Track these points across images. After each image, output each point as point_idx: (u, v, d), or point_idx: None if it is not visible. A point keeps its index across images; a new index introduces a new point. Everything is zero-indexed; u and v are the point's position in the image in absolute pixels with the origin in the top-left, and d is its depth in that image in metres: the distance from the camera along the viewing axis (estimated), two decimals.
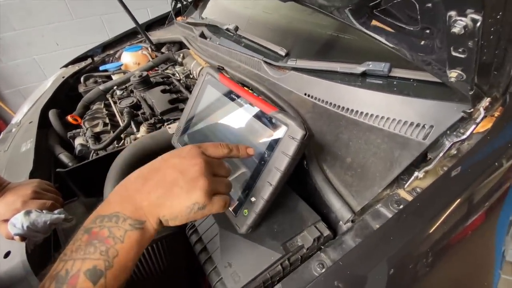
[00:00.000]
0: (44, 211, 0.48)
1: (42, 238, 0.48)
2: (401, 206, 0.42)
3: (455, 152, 0.46)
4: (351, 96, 0.58)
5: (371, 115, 0.54)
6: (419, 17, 0.35)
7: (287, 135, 0.39)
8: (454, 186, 0.43)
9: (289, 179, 0.43)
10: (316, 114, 0.61)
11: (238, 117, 0.47)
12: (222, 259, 0.41)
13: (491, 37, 0.29)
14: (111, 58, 1.28)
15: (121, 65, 1.20)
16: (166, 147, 0.65)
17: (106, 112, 0.95)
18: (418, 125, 0.48)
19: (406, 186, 0.45)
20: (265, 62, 0.74)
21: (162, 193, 0.29)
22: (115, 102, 0.98)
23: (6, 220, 0.47)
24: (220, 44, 0.91)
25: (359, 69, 0.61)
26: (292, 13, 0.88)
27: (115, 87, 1.03)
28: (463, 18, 0.28)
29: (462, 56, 0.34)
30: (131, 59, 1.20)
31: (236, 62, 0.82)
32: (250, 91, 0.48)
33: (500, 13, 0.26)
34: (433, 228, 0.40)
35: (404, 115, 0.50)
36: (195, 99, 0.58)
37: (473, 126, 0.42)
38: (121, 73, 1.16)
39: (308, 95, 0.64)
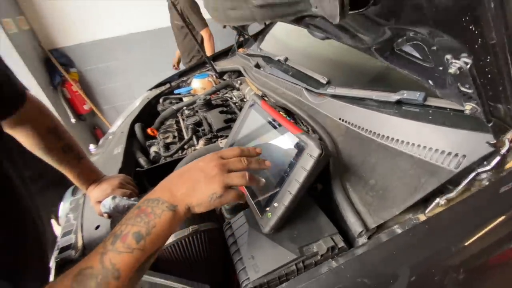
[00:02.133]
0: (125, 198, 0.65)
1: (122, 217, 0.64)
2: (420, 230, 0.44)
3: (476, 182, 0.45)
4: (384, 122, 0.62)
5: (402, 141, 0.56)
6: (430, 56, 0.40)
7: (306, 153, 0.46)
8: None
9: (315, 194, 0.50)
10: (348, 138, 0.66)
11: (272, 136, 0.57)
12: (247, 252, 0.49)
13: (489, 76, 0.32)
14: (184, 84, 1.55)
15: (191, 89, 1.44)
16: None
17: (176, 127, 1.16)
18: (450, 153, 0.49)
19: (427, 211, 0.47)
20: (306, 89, 0.83)
21: (190, 186, 0.41)
22: (183, 120, 1.19)
23: (99, 202, 0.66)
24: (270, 73, 1.05)
25: (393, 97, 0.64)
26: (336, 44, 0.96)
27: (184, 107, 1.26)
28: (457, 61, 0.32)
29: (470, 91, 0.37)
30: (199, 85, 1.44)
31: (282, 89, 0.94)
32: (283, 115, 0.57)
33: (489, 57, 0.30)
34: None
35: (437, 143, 0.51)
36: (241, 120, 0.70)
37: (498, 158, 0.42)
38: (190, 96, 1.40)
39: (342, 120, 0.70)
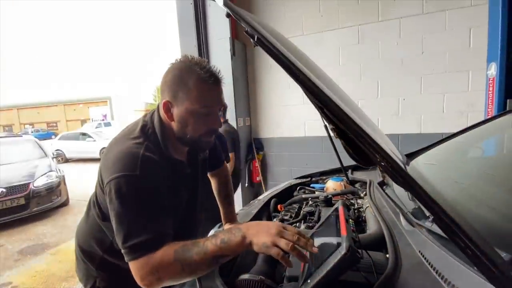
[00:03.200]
0: None
1: None
2: None
3: None
4: (460, 274, 0.60)
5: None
6: None
7: (338, 250, 0.61)
8: None
9: None
10: (415, 270, 0.66)
11: (333, 231, 0.73)
12: None
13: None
14: (321, 181, 1.86)
15: (324, 187, 1.72)
16: None
17: (297, 211, 1.46)
18: None
19: None
20: (403, 214, 0.88)
21: (257, 231, 0.67)
22: (304, 207, 1.47)
23: None
24: (386, 192, 1.14)
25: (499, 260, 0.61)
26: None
27: (310, 198, 1.54)
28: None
29: None
30: (332, 185, 1.69)
31: (387, 208, 1.01)
32: (347, 222, 0.73)
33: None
34: None
35: None
36: (324, 218, 0.89)
37: None
38: (322, 192, 1.67)
39: (420, 253, 0.71)
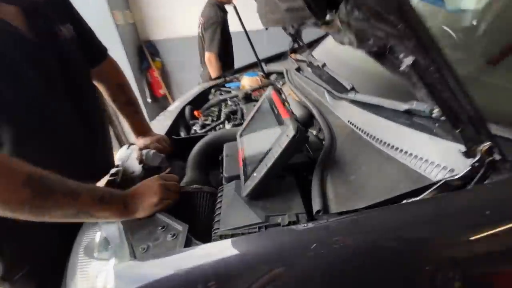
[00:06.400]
0: (154, 151, 0.83)
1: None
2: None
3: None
4: (387, 130, 0.63)
5: (397, 148, 0.58)
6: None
7: (285, 133, 0.53)
8: None
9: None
10: (349, 138, 0.69)
11: (271, 120, 0.65)
12: (225, 210, 0.59)
13: (436, 75, 0.34)
14: (235, 79, 1.73)
15: (240, 85, 1.61)
16: (231, 139, 0.90)
17: (217, 113, 1.33)
18: (439, 165, 0.50)
19: None
20: (328, 91, 0.88)
21: (141, 196, 0.62)
22: (224, 108, 1.35)
23: (141, 149, 0.85)
24: (306, 76, 1.11)
25: (402, 106, 0.65)
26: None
27: (228, 99, 1.42)
28: (406, 59, 0.36)
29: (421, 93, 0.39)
30: (247, 82, 1.59)
31: (309, 90, 1.00)
32: (284, 105, 0.65)
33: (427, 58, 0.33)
34: None
35: (431, 155, 0.52)
36: (256, 107, 0.80)
37: (468, 168, 0.41)
38: (238, 90, 1.56)
39: (350, 122, 0.73)
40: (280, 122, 0.61)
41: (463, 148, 0.44)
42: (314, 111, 0.81)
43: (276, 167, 0.54)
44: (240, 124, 1.09)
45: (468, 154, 0.41)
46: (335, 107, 0.82)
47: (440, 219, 0.39)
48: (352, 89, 0.87)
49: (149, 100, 3.28)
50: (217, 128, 1.15)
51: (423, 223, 0.40)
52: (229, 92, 1.58)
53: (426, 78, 0.35)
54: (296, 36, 1.62)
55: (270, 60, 1.80)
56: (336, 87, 0.92)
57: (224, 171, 0.71)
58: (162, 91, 3.38)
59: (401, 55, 0.37)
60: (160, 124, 1.22)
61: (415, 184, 0.49)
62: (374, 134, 0.64)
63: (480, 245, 0.37)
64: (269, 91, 0.76)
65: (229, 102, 1.40)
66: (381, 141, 0.61)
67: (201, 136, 0.93)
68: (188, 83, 3.48)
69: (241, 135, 0.80)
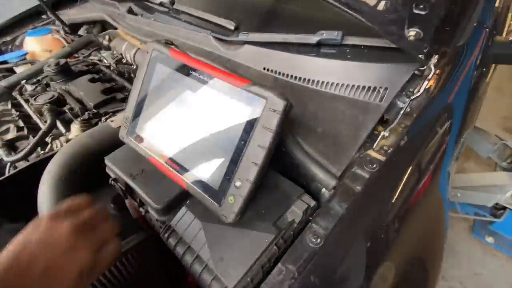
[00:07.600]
0: None
1: None
2: (375, 165, 0.44)
3: (409, 110, 0.50)
4: (310, 66, 0.58)
5: (332, 83, 0.54)
6: None
7: (268, 108, 0.35)
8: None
9: None
10: (279, 88, 0.58)
11: (202, 96, 0.42)
12: (212, 254, 0.37)
13: None
14: (9, 46, 1.00)
15: (26, 54, 0.95)
16: (111, 144, 0.55)
17: (17, 113, 0.75)
18: (374, 89, 0.50)
19: (374, 146, 0.48)
20: (215, 37, 0.68)
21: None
22: (27, 100, 0.78)
23: None
24: (155, 20, 0.80)
25: (313, 38, 0.60)
26: None
27: (23, 82, 0.82)
28: None
29: (422, 12, 0.35)
30: (39, 46, 0.96)
31: (179, 39, 0.73)
32: (214, 65, 0.42)
33: None
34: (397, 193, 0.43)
35: (360, 80, 0.51)
36: (142, 82, 0.49)
37: (426, 83, 0.46)
38: (27, 63, 0.92)
39: (268, 69, 0.61)
40: (225, 94, 0.39)
41: (401, 68, 0.47)
42: (216, 66, 0.61)
43: (268, 161, 0.37)
44: (95, 118, 0.68)
45: (423, 71, 0.45)
46: (236, 55, 0.65)
47: None
48: (237, 28, 0.72)
49: None
50: (51, 137, 0.66)
51: None
52: (11, 70, 0.90)
53: None
54: None
55: (55, 6, 1.14)
56: (214, 30, 0.73)
57: (152, 201, 0.42)
58: None
59: None
60: None
61: (369, 113, 0.49)
62: (302, 75, 0.58)
63: None
64: (159, 49, 0.46)
65: (29, 88, 0.81)
66: (313, 81, 0.56)
67: (37, 165, 0.49)
68: None
69: (132, 134, 0.49)
